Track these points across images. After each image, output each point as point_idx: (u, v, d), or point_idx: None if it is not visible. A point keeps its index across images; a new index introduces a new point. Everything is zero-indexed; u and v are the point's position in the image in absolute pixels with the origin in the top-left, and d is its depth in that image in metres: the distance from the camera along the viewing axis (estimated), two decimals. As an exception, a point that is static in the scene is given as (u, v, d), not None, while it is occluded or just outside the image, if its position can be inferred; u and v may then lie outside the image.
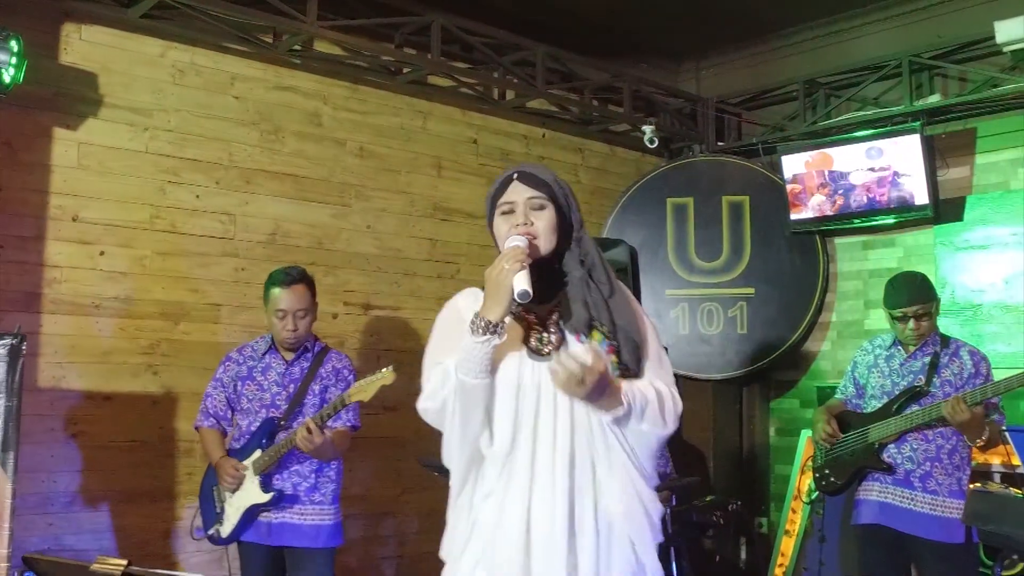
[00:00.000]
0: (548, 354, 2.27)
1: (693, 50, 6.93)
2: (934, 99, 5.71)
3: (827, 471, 4.27)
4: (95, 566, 1.44)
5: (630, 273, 5.07)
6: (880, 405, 4.12)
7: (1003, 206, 5.54)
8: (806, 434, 6.01)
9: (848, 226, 6.05)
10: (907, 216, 5.74)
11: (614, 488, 2.26)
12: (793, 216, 6.06)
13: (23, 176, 4.40)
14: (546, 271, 2.31)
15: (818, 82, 6.22)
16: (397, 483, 5.38)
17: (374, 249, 5.48)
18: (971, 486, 4.01)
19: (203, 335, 4.85)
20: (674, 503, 4.89)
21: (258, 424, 3.89)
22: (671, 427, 2.33)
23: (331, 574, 3.92)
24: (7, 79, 4.05)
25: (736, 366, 6.27)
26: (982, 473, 4.95)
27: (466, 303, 2.34)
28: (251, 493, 3.83)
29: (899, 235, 6.01)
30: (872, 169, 5.72)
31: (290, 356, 3.98)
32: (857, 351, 4.42)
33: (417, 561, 5.40)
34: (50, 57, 4.49)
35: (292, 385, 3.93)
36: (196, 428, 4.09)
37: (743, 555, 6.11)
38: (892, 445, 4.04)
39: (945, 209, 5.69)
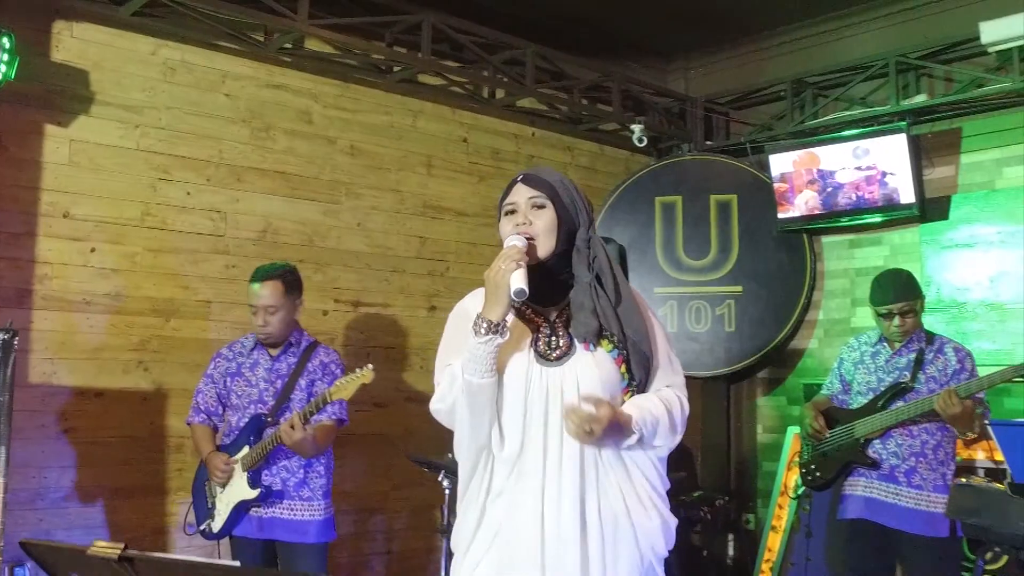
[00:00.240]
0: (556, 359, 2.30)
1: (682, 50, 6.97)
2: (920, 99, 5.75)
3: (813, 466, 4.31)
4: (92, 550, 1.47)
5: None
6: (866, 401, 4.17)
7: (988, 205, 5.59)
8: (793, 431, 6.05)
9: (835, 225, 6.09)
10: (893, 215, 5.78)
11: (623, 487, 2.30)
12: (780, 215, 6.10)
13: (14, 173, 4.41)
14: (552, 273, 2.33)
15: (806, 82, 6.26)
16: (387, 479, 5.40)
17: (364, 247, 5.50)
18: (955, 480, 4.06)
19: (193, 332, 4.87)
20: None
21: (246, 420, 3.92)
22: (681, 433, 2.39)
23: (323, 569, 3.94)
24: (-1, 76, 4.07)
25: (724, 364, 6.31)
26: (967, 468, 5.00)
27: (473, 304, 2.36)
28: (240, 489, 3.85)
29: (885, 234, 6.04)
30: (859, 168, 5.76)
31: (275, 352, 4.00)
32: (843, 347, 4.47)
33: (406, 557, 5.42)
34: (42, 54, 4.50)
35: (280, 381, 3.95)
36: (188, 424, 4.12)
37: (731, 551, 6.17)
38: (877, 441, 4.09)
39: (931, 208, 5.73)
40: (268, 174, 5.18)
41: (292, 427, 3.63)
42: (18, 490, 4.23)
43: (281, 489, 3.85)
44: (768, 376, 6.60)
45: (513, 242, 2.27)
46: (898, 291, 4.12)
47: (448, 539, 4.25)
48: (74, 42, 4.61)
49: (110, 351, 4.63)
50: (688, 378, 2.55)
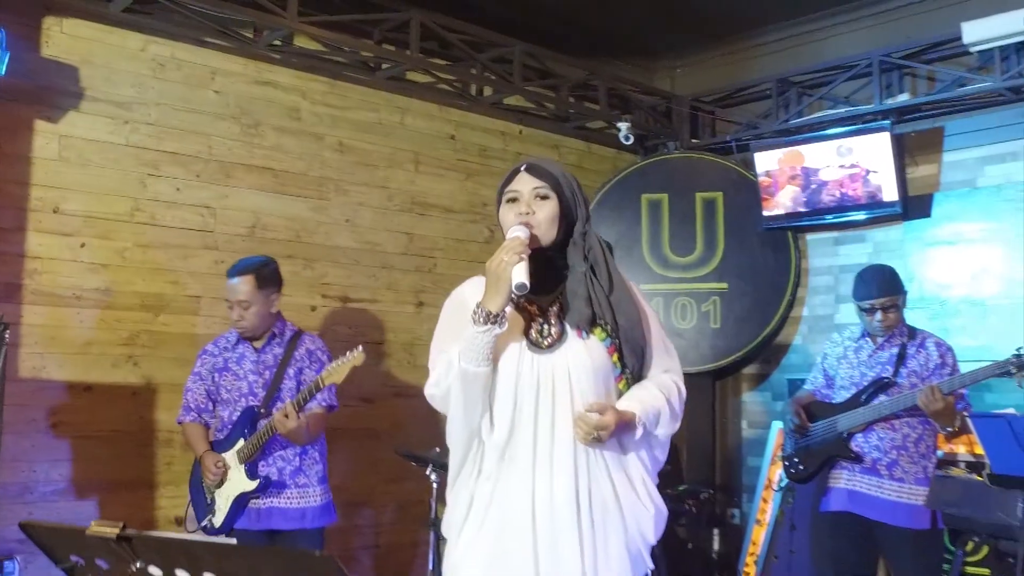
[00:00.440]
0: (548, 347, 2.34)
1: (668, 49, 7.01)
2: (903, 98, 5.80)
3: (796, 459, 4.36)
4: (91, 530, 1.50)
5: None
6: (849, 395, 4.22)
7: (970, 203, 5.65)
8: (777, 426, 6.10)
9: (819, 222, 6.14)
10: (877, 212, 5.84)
11: (613, 473, 2.35)
12: (765, 212, 6.15)
13: (4, 168, 4.42)
14: (548, 263, 2.37)
15: (790, 81, 6.31)
16: (374, 474, 5.42)
17: (352, 243, 5.53)
18: (935, 472, 4.11)
19: (183, 327, 4.89)
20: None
21: (239, 414, 3.95)
22: (680, 418, 2.45)
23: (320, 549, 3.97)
24: (-11, 71, 4.09)
25: (709, 359, 6.36)
26: (948, 462, 5.05)
27: (471, 292, 2.39)
28: (239, 482, 3.88)
29: (869, 231, 6.10)
30: (843, 166, 5.82)
31: (259, 344, 4.03)
32: (827, 343, 4.52)
33: (393, 551, 5.45)
34: (31, 50, 4.51)
35: (268, 372, 3.99)
36: (179, 423, 4.14)
37: (716, 545, 6.22)
38: (860, 435, 4.13)
39: (914, 206, 5.79)
40: (257, 170, 5.20)
41: (286, 416, 3.67)
42: (7, 484, 4.25)
43: (279, 479, 3.90)
44: (753, 372, 6.65)
45: (516, 233, 2.29)
46: (881, 286, 4.16)
47: (436, 532, 4.31)
48: (64, 38, 4.62)
49: (99, 346, 4.64)
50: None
